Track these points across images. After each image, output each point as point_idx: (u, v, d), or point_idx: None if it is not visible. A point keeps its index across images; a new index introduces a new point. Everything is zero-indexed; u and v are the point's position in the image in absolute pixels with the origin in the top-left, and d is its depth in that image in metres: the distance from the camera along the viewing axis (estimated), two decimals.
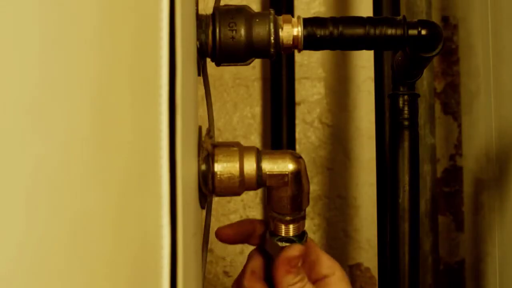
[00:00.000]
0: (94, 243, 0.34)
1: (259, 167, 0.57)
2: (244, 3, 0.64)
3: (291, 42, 0.59)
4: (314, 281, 0.62)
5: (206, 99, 0.60)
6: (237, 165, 0.56)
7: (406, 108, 0.69)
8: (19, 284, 0.29)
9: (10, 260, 0.29)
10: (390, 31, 0.60)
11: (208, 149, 0.55)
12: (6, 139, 0.29)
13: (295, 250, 0.60)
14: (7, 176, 0.29)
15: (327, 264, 0.63)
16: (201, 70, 0.60)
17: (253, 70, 1.12)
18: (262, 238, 0.63)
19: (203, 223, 0.60)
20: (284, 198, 0.59)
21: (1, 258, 0.28)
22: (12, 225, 0.29)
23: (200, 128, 0.55)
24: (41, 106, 0.30)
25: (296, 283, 0.59)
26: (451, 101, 1.11)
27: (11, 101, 0.29)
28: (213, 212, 0.61)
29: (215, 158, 0.55)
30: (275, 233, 0.61)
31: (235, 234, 0.63)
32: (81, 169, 0.33)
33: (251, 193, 1.10)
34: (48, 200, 0.31)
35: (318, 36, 0.59)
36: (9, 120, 0.29)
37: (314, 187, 1.10)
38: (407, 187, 0.69)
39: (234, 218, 1.10)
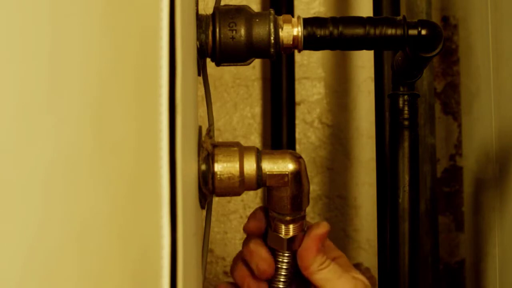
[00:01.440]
0: (98, 243, 0.34)
1: (259, 167, 0.57)
2: (244, 3, 0.64)
3: (291, 42, 0.59)
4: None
5: (206, 99, 0.60)
6: (237, 165, 0.56)
7: (406, 108, 0.69)
8: (31, 281, 0.29)
9: (22, 259, 0.29)
10: (390, 31, 0.60)
11: (208, 149, 0.55)
12: (21, 138, 0.29)
13: (324, 226, 0.60)
14: (24, 175, 0.29)
15: (334, 247, 0.64)
16: (201, 70, 0.60)
17: (253, 70, 1.12)
18: (264, 233, 0.63)
19: (203, 223, 0.60)
20: (284, 198, 0.59)
21: (14, 257, 0.28)
22: (26, 224, 0.29)
23: (200, 128, 0.55)
24: (50, 106, 0.30)
25: (324, 261, 0.60)
26: (451, 101, 1.11)
27: (28, 101, 0.29)
28: (213, 212, 0.61)
29: (215, 158, 0.55)
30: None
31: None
32: (85, 169, 0.33)
33: (251, 193, 1.10)
34: (58, 200, 0.31)
35: (318, 36, 0.59)
36: (22, 120, 0.29)
37: (314, 187, 1.10)
38: (407, 187, 0.69)
39: (234, 218, 1.10)
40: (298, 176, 0.58)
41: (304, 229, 0.62)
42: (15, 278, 0.29)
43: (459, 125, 1.10)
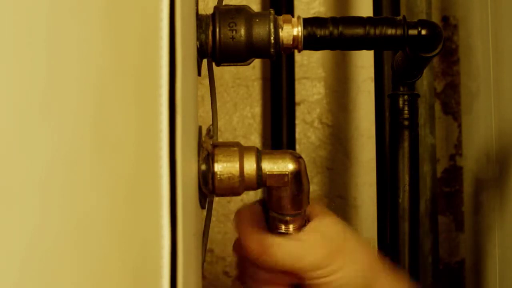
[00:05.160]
0: (98, 243, 0.34)
1: (259, 167, 0.57)
2: (244, 3, 0.64)
3: (291, 42, 0.59)
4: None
5: (211, 100, 0.60)
6: (237, 165, 0.56)
7: (406, 108, 0.69)
8: (29, 282, 0.29)
9: (20, 259, 0.29)
10: (390, 31, 0.60)
11: (208, 149, 0.55)
12: (19, 138, 0.29)
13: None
14: (21, 175, 0.29)
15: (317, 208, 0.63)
16: (208, 71, 0.60)
17: (253, 70, 1.12)
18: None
19: (203, 223, 0.60)
20: (284, 198, 0.59)
21: (12, 256, 0.28)
22: (24, 224, 0.29)
23: (200, 128, 0.55)
24: (50, 105, 0.30)
25: None
26: (451, 101, 1.11)
27: (25, 101, 0.29)
28: (213, 212, 0.61)
29: (215, 158, 0.55)
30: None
31: None
32: (85, 169, 0.33)
33: (251, 193, 1.10)
34: (57, 200, 0.31)
35: (318, 36, 0.59)
36: (21, 119, 0.29)
37: (314, 187, 1.10)
38: (407, 187, 0.69)
39: None
40: (298, 176, 0.58)
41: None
42: (14, 278, 0.29)
43: (459, 125, 1.10)
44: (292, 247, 0.58)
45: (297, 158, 0.58)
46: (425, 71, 0.69)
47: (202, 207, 0.56)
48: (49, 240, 0.30)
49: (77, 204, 0.32)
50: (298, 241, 0.59)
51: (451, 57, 1.11)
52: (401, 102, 0.69)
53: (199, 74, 0.58)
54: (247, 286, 0.62)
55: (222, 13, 0.57)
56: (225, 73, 1.11)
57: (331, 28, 0.59)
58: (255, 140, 1.11)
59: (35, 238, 0.30)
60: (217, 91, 1.13)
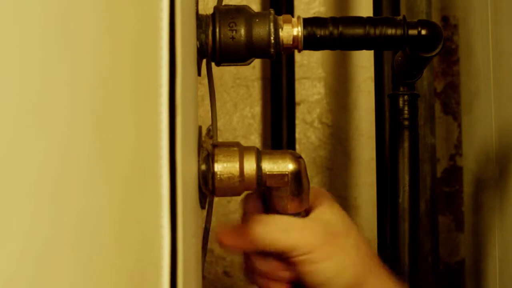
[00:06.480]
0: (96, 243, 0.34)
1: (259, 167, 0.57)
2: (244, 3, 0.64)
3: (291, 42, 0.59)
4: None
5: (210, 100, 0.60)
6: (237, 165, 0.56)
7: (406, 108, 0.69)
8: (23, 282, 0.29)
9: (15, 259, 0.29)
10: (390, 31, 0.60)
11: (208, 149, 0.55)
12: (12, 139, 0.29)
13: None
14: (15, 175, 0.29)
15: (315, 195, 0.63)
16: (206, 71, 0.60)
17: (253, 70, 1.12)
18: None
19: (203, 223, 0.60)
20: (284, 198, 0.59)
21: (6, 257, 0.28)
22: (18, 224, 0.29)
23: (200, 128, 0.55)
24: (45, 106, 0.30)
25: None
26: (451, 101, 1.11)
27: (18, 101, 0.29)
28: (213, 212, 0.61)
29: (215, 158, 0.56)
30: None
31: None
32: (83, 169, 0.33)
33: None
34: (53, 199, 0.31)
35: (318, 36, 0.59)
36: (15, 120, 0.29)
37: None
38: (407, 187, 0.69)
39: (234, 218, 1.10)
40: (298, 176, 0.58)
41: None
42: (10, 277, 0.29)
43: (459, 125, 1.10)
44: (276, 226, 0.59)
45: (297, 158, 0.58)
46: (425, 71, 0.69)
47: (202, 207, 0.56)
48: (48, 240, 0.30)
49: (76, 204, 0.32)
50: (286, 222, 0.59)
51: (451, 57, 1.11)
52: (401, 102, 0.69)
53: (199, 74, 0.58)
54: (250, 279, 0.63)
55: (222, 13, 0.57)
56: (225, 73, 1.11)
57: (331, 28, 0.59)
58: (255, 140, 1.11)
59: (32, 238, 0.30)
60: (217, 91, 1.13)
